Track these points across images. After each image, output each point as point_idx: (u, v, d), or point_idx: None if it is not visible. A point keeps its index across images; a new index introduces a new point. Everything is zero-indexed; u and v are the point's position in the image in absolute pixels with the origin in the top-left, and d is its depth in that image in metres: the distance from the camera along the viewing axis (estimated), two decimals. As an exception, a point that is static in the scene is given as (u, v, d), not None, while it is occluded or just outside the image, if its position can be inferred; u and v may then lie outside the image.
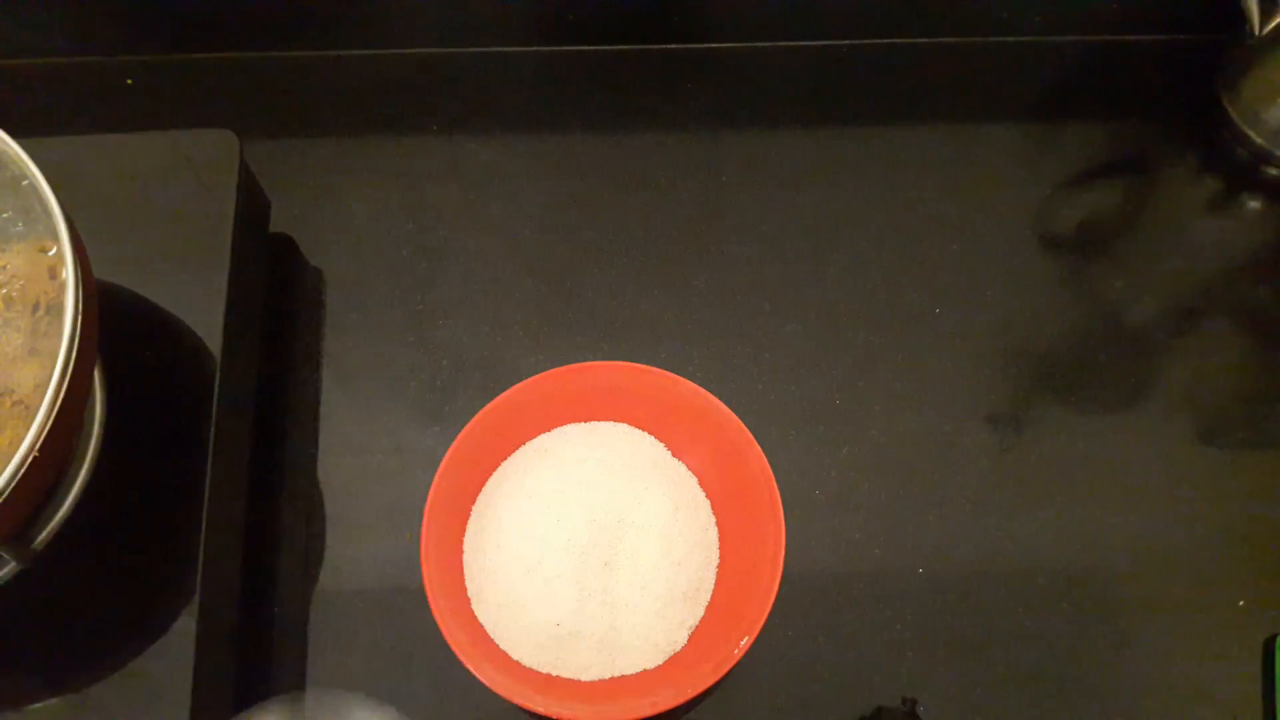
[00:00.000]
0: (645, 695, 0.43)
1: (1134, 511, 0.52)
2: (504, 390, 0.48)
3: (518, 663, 0.45)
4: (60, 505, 0.43)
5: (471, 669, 0.43)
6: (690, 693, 0.42)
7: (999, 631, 0.49)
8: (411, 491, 0.52)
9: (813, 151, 0.62)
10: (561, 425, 0.50)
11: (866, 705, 0.48)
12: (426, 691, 0.48)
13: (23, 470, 0.35)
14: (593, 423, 0.50)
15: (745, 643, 0.43)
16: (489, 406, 0.48)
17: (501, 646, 0.46)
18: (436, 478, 0.46)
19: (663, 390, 0.49)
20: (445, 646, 0.46)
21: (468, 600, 0.47)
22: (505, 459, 0.50)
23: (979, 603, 0.50)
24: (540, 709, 0.43)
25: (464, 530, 0.48)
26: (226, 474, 0.47)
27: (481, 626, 0.46)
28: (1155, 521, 0.52)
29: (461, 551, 0.48)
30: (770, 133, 0.62)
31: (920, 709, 0.47)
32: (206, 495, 0.44)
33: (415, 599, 0.49)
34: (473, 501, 0.49)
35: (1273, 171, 0.61)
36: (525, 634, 0.45)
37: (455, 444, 0.47)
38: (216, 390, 0.46)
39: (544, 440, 0.50)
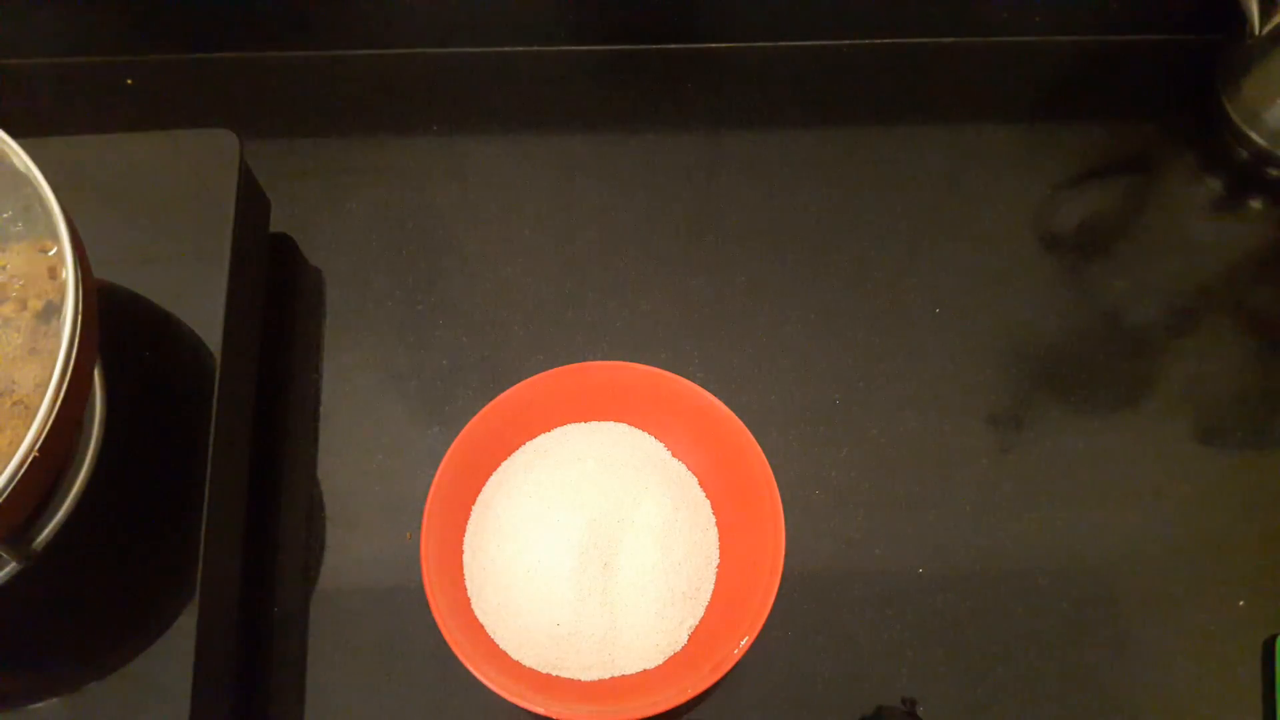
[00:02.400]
0: (646, 695, 0.43)
1: (1134, 511, 0.52)
2: (503, 390, 0.48)
3: (517, 663, 0.45)
4: (60, 505, 0.43)
5: (471, 669, 0.43)
6: (691, 692, 0.42)
7: (999, 631, 0.49)
8: (411, 491, 0.52)
9: (813, 151, 0.62)
10: (562, 425, 0.50)
11: (866, 705, 0.48)
12: (426, 691, 0.48)
13: (23, 470, 0.35)
14: (593, 423, 0.50)
15: (745, 642, 0.43)
16: (489, 407, 0.48)
17: (501, 646, 0.46)
18: (436, 478, 0.46)
19: (663, 390, 0.49)
20: (445, 646, 0.47)
21: (468, 600, 0.47)
22: (505, 459, 0.50)
23: (979, 603, 0.50)
24: (540, 709, 0.43)
25: (464, 530, 0.48)
26: (226, 474, 0.47)
27: (482, 627, 0.46)
28: (1155, 521, 0.52)
29: (461, 552, 0.48)
30: (770, 133, 0.62)
31: (920, 709, 0.47)
32: (206, 495, 0.44)
33: (415, 599, 0.49)
34: (473, 501, 0.49)
35: (1273, 171, 0.61)
36: (525, 634, 0.45)
37: (455, 444, 0.47)
38: (216, 390, 0.46)
39: (544, 440, 0.50)
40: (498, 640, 0.46)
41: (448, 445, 0.51)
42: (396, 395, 0.55)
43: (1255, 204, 0.61)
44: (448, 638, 0.43)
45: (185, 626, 0.43)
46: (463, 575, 0.47)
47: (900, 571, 0.51)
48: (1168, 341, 0.57)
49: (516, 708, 0.47)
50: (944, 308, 0.57)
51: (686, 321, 0.57)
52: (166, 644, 0.43)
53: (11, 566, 0.41)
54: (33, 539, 0.42)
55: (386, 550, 0.51)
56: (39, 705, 0.42)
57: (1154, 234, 0.60)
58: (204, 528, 0.44)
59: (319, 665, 0.48)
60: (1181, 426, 0.54)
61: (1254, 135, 0.60)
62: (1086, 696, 0.48)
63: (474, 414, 0.48)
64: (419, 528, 0.50)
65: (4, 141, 0.39)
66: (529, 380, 0.48)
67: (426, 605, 0.44)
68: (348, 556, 0.51)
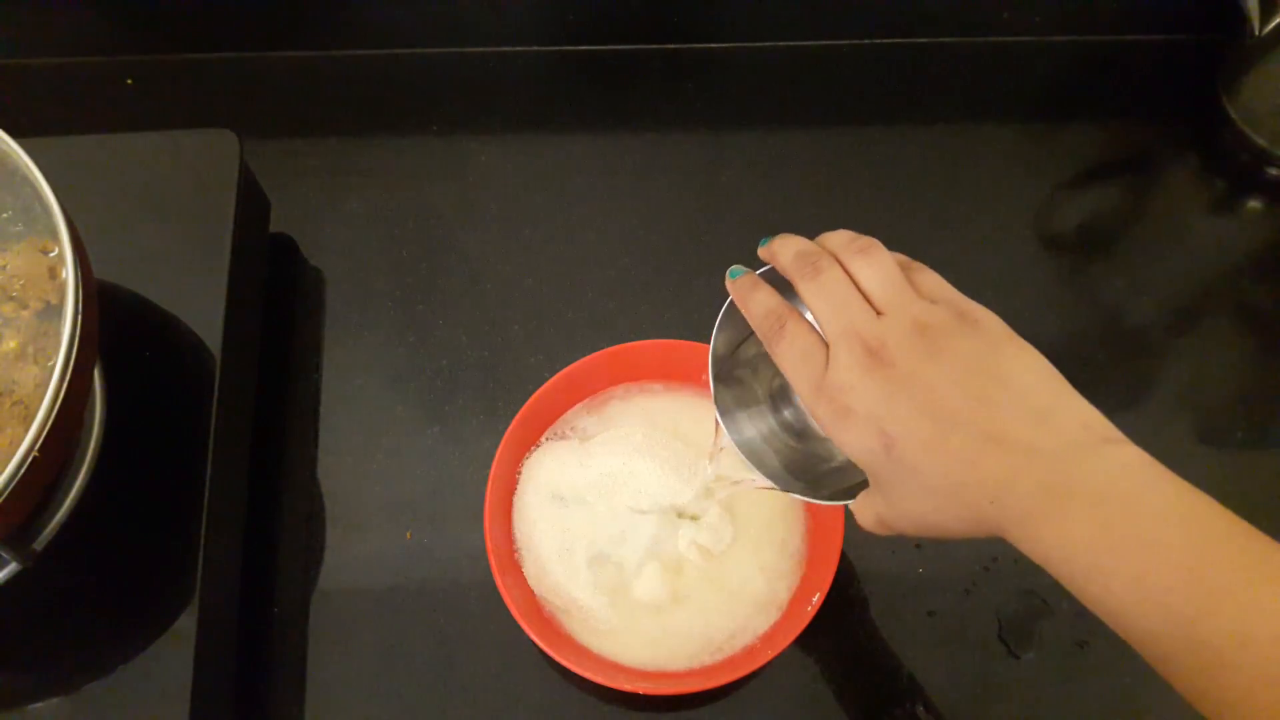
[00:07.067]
0: (752, 648, 0.46)
1: (1134, 511, 0.52)
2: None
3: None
4: (60, 505, 0.43)
5: (581, 672, 0.43)
6: (788, 638, 0.44)
7: (999, 631, 0.49)
8: (411, 491, 0.52)
9: (813, 151, 0.62)
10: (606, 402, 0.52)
11: (867, 707, 0.48)
12: (426, 691, 0.48)
13: (23, 470, 0.35)
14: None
15: (821, 595, 0.45)
16: (534, 397, 0.48)
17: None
18: (492, 472, 0.46)
19: (684, 360, 0.50)
20: (444, 645, 0.47)
21: (535, 598, 0.47)
22: (533, 448, 0.50)
23: (979, 603, 0.50)
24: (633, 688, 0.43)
25: (511, 533, 0.49)
26: (226, 474, 0.47)
27: (551, 620, 0.47)
28: (1155, 521, 0.52)
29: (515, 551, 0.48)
30: (770, 133, 0.62)
31: (920, 709, 0.47)
32: (206, 495, 0.44)
33: (415, 598, 0.49)
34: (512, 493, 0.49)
35: (1273, 171, 0.61)
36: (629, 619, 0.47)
37: (504, 441, 0.47)
38: (216, 390, 0.46)
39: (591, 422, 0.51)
40: (570, 632, 0.47)
41: (448, 445, 0.51)
42: (396, 395, 0.55)
43: (1255, 204, 0.61)
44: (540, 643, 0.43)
45: (185, 626, 0.43)
46: (524, 576, 0.48)
47: (900, 571, 0.51)
48: (1168, 341, 0.57)
49: (513, 706, 0.47)
50: (944, 308, 0.57)
51: (686, 322, 0.56)
52: (166, 644, 0.42)
53: (12, 566, 0.41)
54: (33, 539, 0.42)
55: (386, 550, 0.51)
56: (39, 705, 0.42)
57: (1154, 234, 0.60)
58: (204, 528, 0.44)
59: (319, 665, 0.48)
60: (1181, 426, 0.54)
61: (1254, 135, 0.60)
62: (1087, 696, 0.48)
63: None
64: (418, 527, 0.50)
65: (4, 141, 0.39)
66: (579, 362, 0.49)
67: (425, 604, 0.44)
68: (348, 556, 0.51)
